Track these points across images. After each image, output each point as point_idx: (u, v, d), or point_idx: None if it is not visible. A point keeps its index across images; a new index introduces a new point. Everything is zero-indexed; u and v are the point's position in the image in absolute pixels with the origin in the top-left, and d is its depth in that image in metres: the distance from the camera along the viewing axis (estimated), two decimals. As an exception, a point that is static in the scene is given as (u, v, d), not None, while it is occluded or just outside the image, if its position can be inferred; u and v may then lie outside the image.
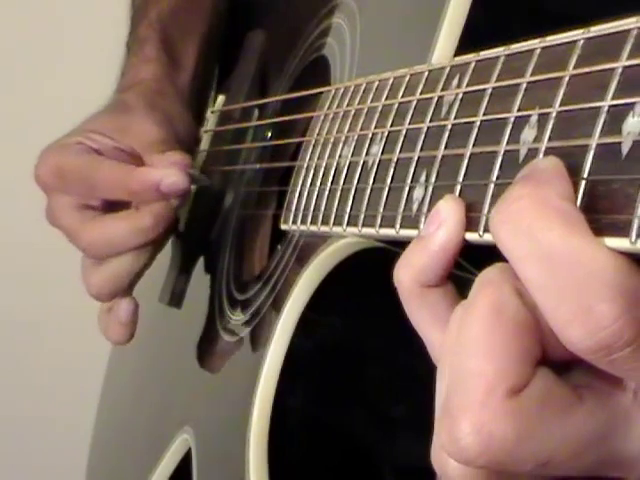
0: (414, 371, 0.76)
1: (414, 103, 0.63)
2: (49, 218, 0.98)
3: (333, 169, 0.72)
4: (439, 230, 0.53)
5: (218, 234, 1.04)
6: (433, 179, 0.58)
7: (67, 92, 1.91)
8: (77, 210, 0.94)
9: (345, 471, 0.81)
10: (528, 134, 0.49)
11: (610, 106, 0.44)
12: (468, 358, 0.46)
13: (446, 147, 0.57)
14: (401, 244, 0.61)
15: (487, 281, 0.48)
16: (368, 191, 0.66)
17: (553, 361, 0.47)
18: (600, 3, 0.63)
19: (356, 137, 0.70)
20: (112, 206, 0.94)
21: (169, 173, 0.92)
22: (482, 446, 0.45)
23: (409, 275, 0.54)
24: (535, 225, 0.44)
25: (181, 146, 1.00)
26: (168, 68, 1.06)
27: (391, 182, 0.63)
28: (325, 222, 0.72)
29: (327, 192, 0.73)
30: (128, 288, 0.98)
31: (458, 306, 0.50)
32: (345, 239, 0.72)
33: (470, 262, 0.54)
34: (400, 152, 0.63)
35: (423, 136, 0.60)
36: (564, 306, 0.43)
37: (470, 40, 0.65)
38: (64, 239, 0.98)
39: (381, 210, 0.63)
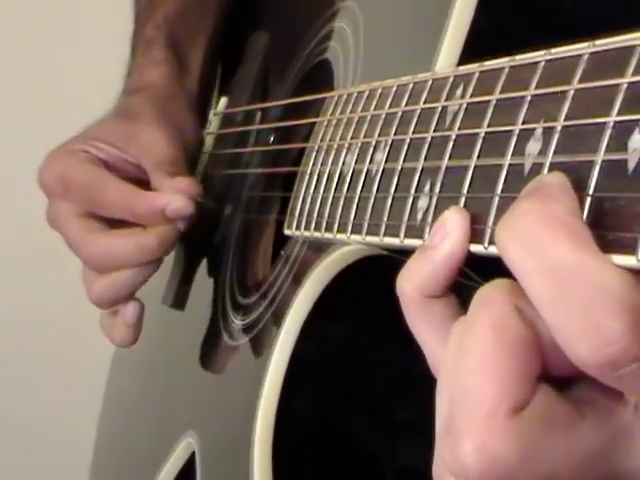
0: (417, 377, 0.77)
1: (418, 112, 0.63)
2: (51, 222, 0.98)
3: (337, 176, 0.72)
4: (444, 242, 0.53)
5: (221, 237, 1.04)
6: (437, 189, 0.58)
7: (70, 91, 1.91)
8: (80, 218, 0.94)
9: (350, 477, 0.81)
10: (533, 147, 0.49)
11: (616, 122, 0.44)
12: (470, 378, 0.46)
13: (450, 157, 0.57)
14: (405, 252, 0.61)
15: (486, 299, 0.47)
16: (372, 199, 0.65)
17: (553, 377, 0.47)
18: (602, 8, 0.63)
19: (359, 144, 0.70)
20: (114, 219, 0.95)
21: (174, 199, 0.92)
22: (484, 466, 0.45)
23: (412, 285, 0.54)
24: (543, 240, 0.43)
25: (188, 154, 1.00)
26: (177, 71, 1.05)
27: (395, 191, 0.63)
28: (329, 229, 0.72)
29: (331, 199, 0.72)
30: (128, 297, 0.98)
31: (457, 322, 0.50)
32: (349, 246, 0.72)
33: (474, 269, 0.54)
34: (404, 161, 0.62)
35: (427, 145, 0.60)
36: (572, 321, 0.42)
37: (474, 45, 0.65)
38: (64, 242, 0.97)
39: (385, 219, 0.63)
